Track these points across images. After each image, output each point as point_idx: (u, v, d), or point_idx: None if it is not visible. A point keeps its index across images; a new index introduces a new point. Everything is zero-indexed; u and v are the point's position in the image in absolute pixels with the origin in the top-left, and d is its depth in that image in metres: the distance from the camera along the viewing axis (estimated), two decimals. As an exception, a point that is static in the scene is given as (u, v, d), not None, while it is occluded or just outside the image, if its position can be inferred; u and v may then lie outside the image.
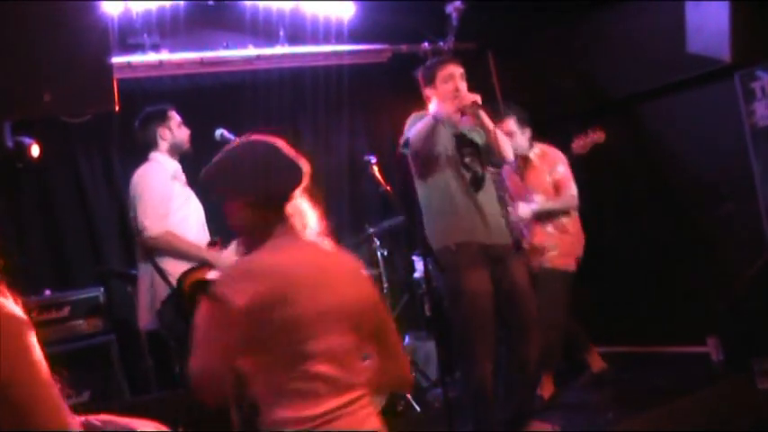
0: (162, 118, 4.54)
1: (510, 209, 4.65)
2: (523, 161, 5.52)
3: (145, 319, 4.44)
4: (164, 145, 4.51)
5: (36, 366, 1.68)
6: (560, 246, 5.43)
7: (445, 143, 4.46)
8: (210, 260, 4.29)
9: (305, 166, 2.44)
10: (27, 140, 4.57)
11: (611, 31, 6.38)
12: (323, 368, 2.23)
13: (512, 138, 5.21)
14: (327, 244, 2.46)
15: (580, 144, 5.58)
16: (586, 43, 6.53)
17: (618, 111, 5.22)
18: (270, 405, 2.25)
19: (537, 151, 5.54)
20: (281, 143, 2.47)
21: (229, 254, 4.43)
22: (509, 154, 4.48)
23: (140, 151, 4.60)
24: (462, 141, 4.48)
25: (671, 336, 5.50)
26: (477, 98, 4.33)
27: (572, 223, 5.49)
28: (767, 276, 4.95)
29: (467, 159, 4.47)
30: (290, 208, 2.40)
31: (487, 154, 4.52)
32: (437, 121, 4.30)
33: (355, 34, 6.52)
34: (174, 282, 3.99)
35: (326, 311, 2.26)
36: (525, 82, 7.02)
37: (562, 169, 5.47)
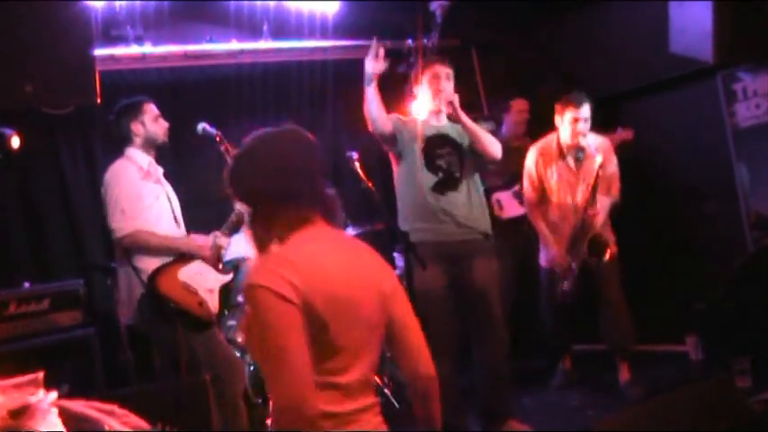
0: (136, 112, 4.38)
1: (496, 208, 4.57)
2: (580, 150, 5.18)
3: (125, 313, 4.40)
4: (137, 140, 4.36)
5: None
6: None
7: (414, 141, 4.47)
8: (184, 250, 4.27)
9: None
10: (8, 131, 4.53)
11: (594, 30, 6.40)
12: (347, 363, 2.17)
13: (586, 124, 5.09)
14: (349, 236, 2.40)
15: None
16: (570, 42, 6.55)
17: (600, 110, 5.25)
18: None
19: (594, 141, 5.17)
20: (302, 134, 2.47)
21: (204, 239, 4.41)
22: (495, 152, 4.46)
23: (120, 144, 4.55)
24: (440, 141, 4.45)
25: (651, 334, 5.52)
26: (454, 98, 4.33)
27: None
28: (747, 275, 4.97)
29: (439, 161, 4.45)
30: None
31: (472, 155, 4.52)
32: (370, 83, 4.43)
33: (339, 30, 6.51)
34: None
35: (354, 303, 2.17)
36: (508, 80, 7.03)
37: (615, 165, 5.21)
